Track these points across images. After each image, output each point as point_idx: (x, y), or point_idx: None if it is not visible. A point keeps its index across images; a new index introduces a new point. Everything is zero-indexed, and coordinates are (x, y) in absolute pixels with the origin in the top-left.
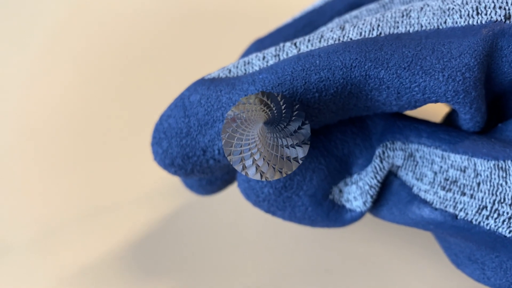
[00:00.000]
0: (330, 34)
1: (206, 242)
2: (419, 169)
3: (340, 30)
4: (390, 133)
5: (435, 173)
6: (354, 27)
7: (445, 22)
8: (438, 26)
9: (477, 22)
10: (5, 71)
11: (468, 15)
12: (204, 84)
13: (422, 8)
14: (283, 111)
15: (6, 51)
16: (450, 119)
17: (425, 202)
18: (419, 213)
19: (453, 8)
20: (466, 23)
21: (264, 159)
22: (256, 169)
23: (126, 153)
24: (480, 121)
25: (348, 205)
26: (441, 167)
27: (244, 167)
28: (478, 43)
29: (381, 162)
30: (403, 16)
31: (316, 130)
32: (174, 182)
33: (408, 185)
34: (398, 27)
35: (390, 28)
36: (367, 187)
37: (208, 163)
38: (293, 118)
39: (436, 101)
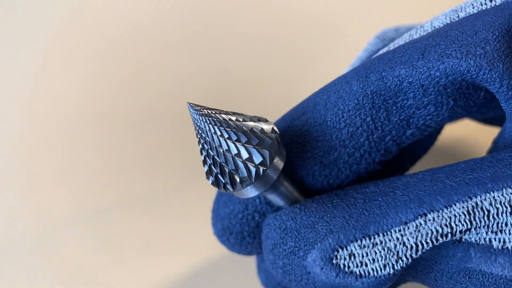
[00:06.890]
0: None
1: (205, 241)
2: (495, 218)
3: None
4: (446, 197)
5: None
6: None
7: (457, 17)
8: (450, 21)
9: (490, 6)
10: (6, 71)
11: (481, 4)
12: None
13: (435, 17)
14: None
15: (8, 51)
16: (498, 141)
17: None
18: None
19: (465, 5)
20: (479, 10)
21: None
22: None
23: (127, 154)
24: None
25: (359, 270)
26: None
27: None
28: (494, 19)
29: (430, 226)
30: (417, 29)
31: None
32: (175, 182)
33: (484, 243)
34: (412, 37)
35: (404, 41)
36: (400, 247)
37: (254, 219)
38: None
39: (464, 81)
